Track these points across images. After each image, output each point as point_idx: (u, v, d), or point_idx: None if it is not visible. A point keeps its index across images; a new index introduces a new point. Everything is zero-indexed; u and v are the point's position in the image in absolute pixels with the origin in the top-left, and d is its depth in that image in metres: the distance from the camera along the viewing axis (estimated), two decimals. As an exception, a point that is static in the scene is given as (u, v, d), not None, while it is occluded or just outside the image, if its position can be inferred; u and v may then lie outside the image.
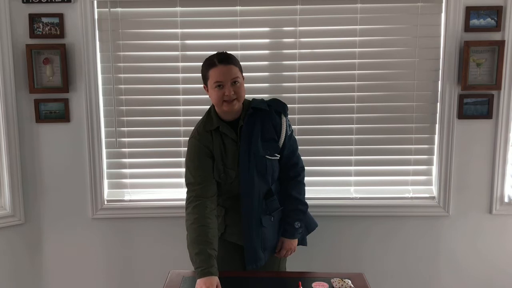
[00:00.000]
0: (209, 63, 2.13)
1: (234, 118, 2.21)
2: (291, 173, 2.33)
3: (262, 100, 2.27)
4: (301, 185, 2.36)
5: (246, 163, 2.18)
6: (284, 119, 2.25)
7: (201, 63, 2.74)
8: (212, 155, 2.20)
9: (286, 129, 2.25)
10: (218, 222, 2.28)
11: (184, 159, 2.81)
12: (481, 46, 2.71)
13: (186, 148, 2.80)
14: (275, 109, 2.25)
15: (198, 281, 2.01)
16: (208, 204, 2.17)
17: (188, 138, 2.28)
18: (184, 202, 2.78)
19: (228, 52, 2.20)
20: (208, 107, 2.32)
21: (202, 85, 2.76)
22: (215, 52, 2.19)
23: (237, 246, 2.33)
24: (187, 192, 2.22)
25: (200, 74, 2.76)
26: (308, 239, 2.48)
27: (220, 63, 2.11)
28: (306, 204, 2.36)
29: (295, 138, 2.36)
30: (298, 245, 2.43)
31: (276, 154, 2.25)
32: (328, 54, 2.79)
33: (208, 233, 2.10)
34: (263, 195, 2.25)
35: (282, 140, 2.25)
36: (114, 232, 2.92)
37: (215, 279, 2.01)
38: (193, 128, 2.36)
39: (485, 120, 2.79)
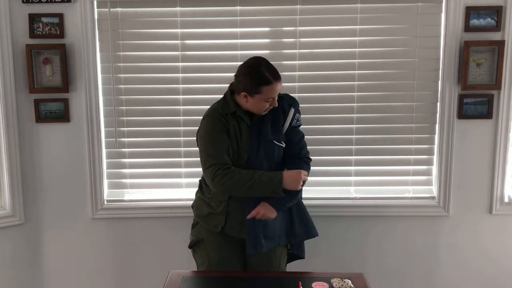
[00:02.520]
0: (263, 80, 2.17)
1: None
2: (294, 154, 2.38)
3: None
4: (304, 164, 2.37)
5: (255, 146, 2.26)
6: (292, 110, 2.34)
7: (201, 63, 2.78)
8: (228, 133, 2.25)
9: (292, 119, 2.33)
10: (219, 210, 2.31)
11: (184, 159, 2.85)
12: (481, 46, 2.70)
13: (186, 148, 2.84)
14: (287, 101, 2.36)
15: (290, 177, 2.20)
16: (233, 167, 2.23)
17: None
18: (182, 201, 2.84)
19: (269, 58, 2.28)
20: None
21: (201, 85, 2.80)
22: (258, 62, 2.21)
23: (237, 243, 2.34)
24: (208, 169, 2.22)
25: (200, 74, 2.80)
26: (308, 239, 2.47)
27: (275, 80, 2.19)
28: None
29: (302, 134, 2.41)
30: (295, 256, 2.48)
31: (283, 142, 2.32)
32: (328, 54, 2.79)
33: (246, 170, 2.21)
34: None
35: (286, 128, 2.33)
36: (114, 232, 2.92)
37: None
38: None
39: (485, 120, 2.79)
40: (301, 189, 2.29)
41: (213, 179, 2.21)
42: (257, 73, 2.18)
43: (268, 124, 2.30)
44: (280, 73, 2.75)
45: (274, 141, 2.29)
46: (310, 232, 2.42)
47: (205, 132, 2.28)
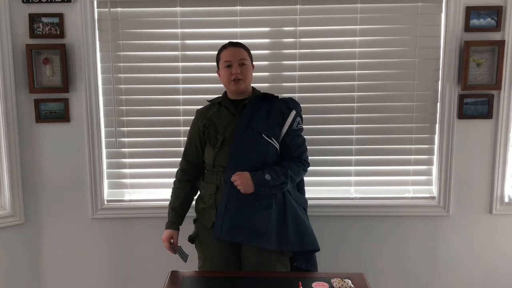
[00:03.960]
0: (222, 47, 2.40)
1: (241, 98, 2.38)
2: (293, 157, 2.36)
3: (276, 96, 2.45)
4: (297, 167, 2.34)
5: (240, 135, 2.29)
6: (293, 112, 2.36)
7: (201, 63, 2.79)
8: (202, 129, 2.40)
9: (292, 121, 2.35)
10: (209, 204, 2.35)
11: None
12: (481, 46, 2.71)
13: (186, 148, 2.85)
14: (287, 103, 2.39)
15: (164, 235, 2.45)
16: (187, 171, 2.46)
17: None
18: None
19: None
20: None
21: (201, 85, 2.81)
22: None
23: (233, 245, 2.34)
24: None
25: (200, 74, 2.82)
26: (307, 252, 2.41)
27: (230, 45, 2.37)
28: (286, 177, 2.26)
29: (303, 138, 2.42)
30: (304, 267, 2.40)
31: (274, 139, 2.31)
32: (328, 54, 2.79)
33: (178, 194, 2.47)
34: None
35: (285, 129, 2.34)
36: (114, 232, 2.92)
37: (169, 232, 2.44)
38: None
39: (485, 120, 2.79)
40: (285, 182, 2.26)
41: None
42: (220, 48, 2.40)
43: (261, 117, 2.31)
44: (280, 73, 2.79)
45: (263, 135, 2.29)
46: (307, 245, 2.33)
47: (189, 129, 2.50)
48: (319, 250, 2.36)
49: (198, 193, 2.48)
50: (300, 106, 2.41)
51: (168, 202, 2.50)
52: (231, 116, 2.34)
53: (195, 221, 2.47)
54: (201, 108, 2.48)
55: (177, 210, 2.46)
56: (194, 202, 2.50)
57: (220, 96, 2.45)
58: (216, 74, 2.73)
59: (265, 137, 2.30)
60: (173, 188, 2.50)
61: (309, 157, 2.46)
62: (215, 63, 2.43)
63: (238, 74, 2.30)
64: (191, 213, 2.50)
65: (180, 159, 2.49)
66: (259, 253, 2.31)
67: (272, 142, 2.32)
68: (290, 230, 2.29)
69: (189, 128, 2.49)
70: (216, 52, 2.38)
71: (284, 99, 2.40)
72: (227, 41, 2.74)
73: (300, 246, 2.33)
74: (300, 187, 2.50)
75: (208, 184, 2.37)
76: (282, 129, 2.33)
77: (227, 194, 2.27)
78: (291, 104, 2.39)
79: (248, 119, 2.31)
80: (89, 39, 2.74)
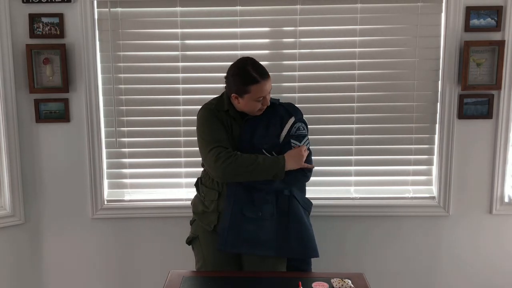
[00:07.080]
0: (250, 79, 2.17)
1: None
2: None
3: (277, 99, 2.38)
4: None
5: (244, 151, 2.24)
6: (291, 119, 2.30)
7: (201, 63, 2.78)
8: (223, 125, 2.26)
9: (291, 128, 2.28)
10: (211, 209, 2.32)
11: (184, 159, 2.86)
12: (481, 46, 2.70)
13: (186, 148, 2.85)
14: (288, 110, 2.33)
15: (291, 157, 2.19)
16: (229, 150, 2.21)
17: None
18: (182, 201, 2.84)
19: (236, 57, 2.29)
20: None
21: (201, 85, 2.80)
22: (244, 62, 2.23)
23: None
24: (210, 152, 2.20)
25: (200, 74, 2.80)
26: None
27: (262, 79, 2.17)
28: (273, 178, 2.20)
29: (307, 144, 2.32)
30: (300, 267, 2.41)
31: (274, 153, 2.26)
32: (328, 54, 2.79)
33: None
34: (251, 186, 2.25)
35: (283, 136, 2.28)
36: (114, 232, 2.92)
37: None
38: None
39: (485, 120, 2.79)
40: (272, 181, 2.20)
41: (216, 161, 2.17)
42: (244, 72, 2.18)
43: (261, 131, 2.27)
44: (280, 73, 2.78)
45: (263, 150, 2.25)
46: (309, 253, 2.34)
47: (202, 122, 2.30)
48: (318, 257, 2.37)
49: (196, 193, 2.46)
50: (301, 113, 2.35)
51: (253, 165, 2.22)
52: (239, 129, 2.29)
53: (191, 222, 2.47)
54: (210, 105, 2.33)
55: None
56: (191, 203, 2.50)
57: (221, 100, 2.33)
58: (216, 74, 2.75)
59: (265, 153, 2.25)
60: (245, 157, 2.18)
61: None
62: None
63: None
64: (188, 214, 2.50)
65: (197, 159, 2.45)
66: (259, 259, 2.32)
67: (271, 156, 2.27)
68: (292, 239, 2.30)
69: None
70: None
71: (284, 105, 2.35)
72: (227, 41, 2.76)
73: (301, 254, 2.35)
74: (302, 188, 2.48)
75: (209, 189, 2.34)
76: (280, 136, 2.29)
77: (231, 207, 2.26)
78: (292, 110, 2.33)
79: (250, 133, 2.27)
80: (89, 39, 2.73)
